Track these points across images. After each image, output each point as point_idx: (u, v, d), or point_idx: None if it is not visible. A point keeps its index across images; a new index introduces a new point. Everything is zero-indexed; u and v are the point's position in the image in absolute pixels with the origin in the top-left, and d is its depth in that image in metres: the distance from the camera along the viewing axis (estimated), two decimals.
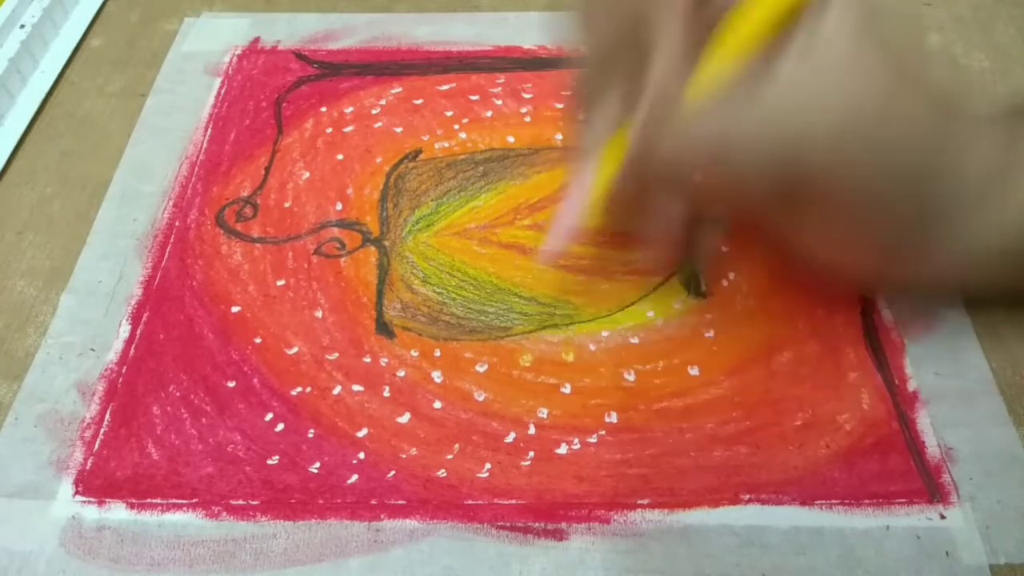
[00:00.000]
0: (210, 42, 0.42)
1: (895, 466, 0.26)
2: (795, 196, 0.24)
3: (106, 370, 0.29)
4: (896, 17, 0.24)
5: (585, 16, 0.27)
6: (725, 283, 0.31)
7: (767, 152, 0.23)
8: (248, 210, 0.35)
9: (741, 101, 0.23)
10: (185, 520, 0.26)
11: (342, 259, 0.33)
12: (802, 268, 0.28)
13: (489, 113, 0.38)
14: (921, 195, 0.24)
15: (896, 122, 0.23)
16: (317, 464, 0.27)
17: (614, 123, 0.27)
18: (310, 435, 0.28)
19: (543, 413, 0.28)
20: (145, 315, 0.31)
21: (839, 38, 0.23)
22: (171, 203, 0.35)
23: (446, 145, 0.37)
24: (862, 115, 0.23)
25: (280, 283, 0.32)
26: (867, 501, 0.26)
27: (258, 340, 0.30)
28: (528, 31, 0.42)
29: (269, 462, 0.27)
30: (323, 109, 0.38)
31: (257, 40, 0.42)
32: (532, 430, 0.28)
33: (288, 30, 0.42)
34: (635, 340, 0.30)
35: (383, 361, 0.30)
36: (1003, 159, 0.25)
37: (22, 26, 0.40)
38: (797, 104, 0.23)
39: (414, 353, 0.30)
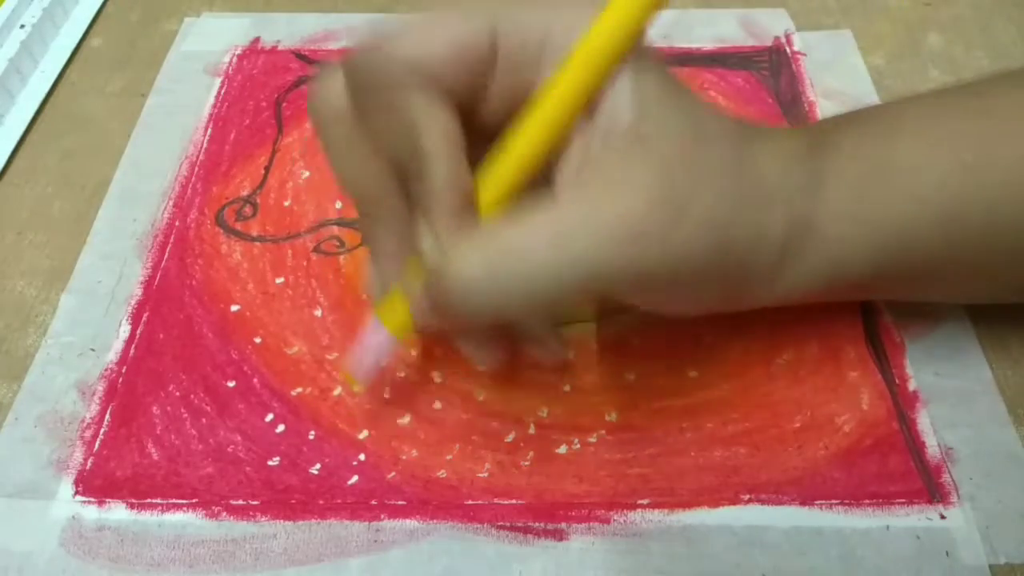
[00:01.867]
0: (210, 42, 0.42)
1: (895, 466, 0.26)
2: (638, 288, 0.23)
3: (106, 370, 0.29)
4: (680, 104, 0.22)
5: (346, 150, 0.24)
6: None
7: (559, 282, 0.21)
8: (248, 209, 0.35)
9: (522, 235, 0.21)
10: (185, 520, 0.26)
11: (341, 257, 0.33)
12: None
13: None
14: (725, 273, 0.23)
15: (686, 229, 0.21)
16: (318, 465, 0.27)
17: (400, 252, 0.25)
18: (311, 436, 0.28)
19: (543, 412, 0.28)
20: (145, 315, 0.31)
21: (615, 154, 0.21)
22: (171, 203, 0.35)
23: None
24: (646, 233, 0.21)
25: (279, 281, 0.32)
26: (867, 501, 0.26)
27: (258, 340, 0.30)
28: None
29: (270, 463, 0.27)
30: None
31: (257, 40, 0.42)
32: (532, 429, 0.28)
33: (288, 30, 0.42)
34: (636, 341, 0.30)
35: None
36: (802, 208, 0.24)
37: (22, 26, 0.40)
38: (582, 229, 0.21)
39: (413, 352, 0.30)
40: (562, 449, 0.27)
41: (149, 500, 0.26)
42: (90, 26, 0.43)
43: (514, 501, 0.26)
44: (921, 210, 0.24)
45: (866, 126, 0.26)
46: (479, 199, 0.23)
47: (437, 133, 0.22)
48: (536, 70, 0.22)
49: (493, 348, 0.26)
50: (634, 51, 0.21)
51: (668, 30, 0.42)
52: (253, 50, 0.41)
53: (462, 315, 0.22)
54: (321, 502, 0.26)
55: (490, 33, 0.22)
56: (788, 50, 0.40)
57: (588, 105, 0.21)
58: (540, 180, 0.23)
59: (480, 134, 0.23)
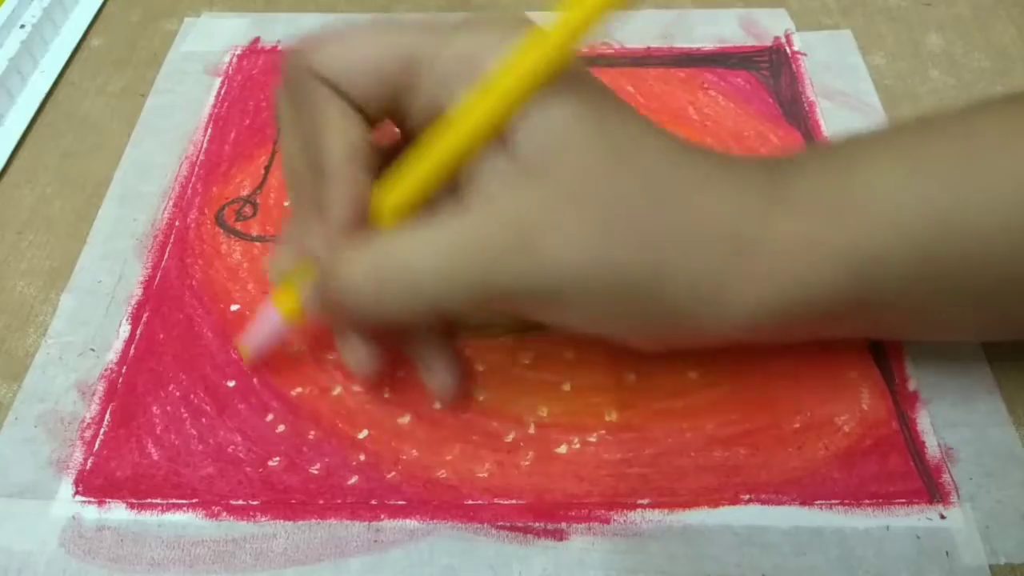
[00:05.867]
0: (210, 42, 0.42)
1: (895, 466, 0.26)
2: (511, 304, 0.23)
3: (106, 370, 0.29)
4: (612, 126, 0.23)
5: (281, 125, 0.26)
6: None
7: (455, 288, 0.22)
8: (248, 209, 0.35)
9: (404, 245, 0.22)
10: (185, 520, 0.26)
11: None
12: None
13: None
14: (635, 298, 0.23)
15: (553, 254, 0.22)
16: (317, 465, 0.27)
17: (302, 240, 0.25)
18: (310, 436, 0.28)
19: (543, 411, 0.28)
20: (145, 315, 0.31)
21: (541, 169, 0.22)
22: (171, 203, 0.35)
23: None
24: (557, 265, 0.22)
25: None
26: (867, 501, 0.26)
27: None
28: None
29: (270, 463, 0.27)
30: None
31: (257, 40, 0.42)
32: (532, 429, 0.28)
33: (288, 30, 0.42)
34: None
35: None
36: (751, 235, 0.23)
37: (22, 26, 0.40)
38: (451, 247, 0.22)
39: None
40: (562, 449, 0.27)
41: (149, 500, 0.26)
42: (90, 26, 0.43)
43: (514, 501, 0.26)
44: (895, 236, 0.23)
45: (836, 152, 0.25)
46: (382, 204, 0.24)
47: (341, 143, 0.23)
48: (457, 90, 0.22)
49: (370, 355, 0.26)
50: (558, 77, 0.21)
51: (668, 30, 0.42)
52: (253, 50, 0.41)
53: (347, 314, 0.24)
54: (321, 502, 0.26)
55: (406, 58, 0.23)
56: (788, 50, 0.40)
57: (498, 131, 0.22)
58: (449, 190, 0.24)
59: (409, 137, 0.24)
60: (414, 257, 0.22)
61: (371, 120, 0.24)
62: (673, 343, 0.26)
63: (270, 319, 0.27)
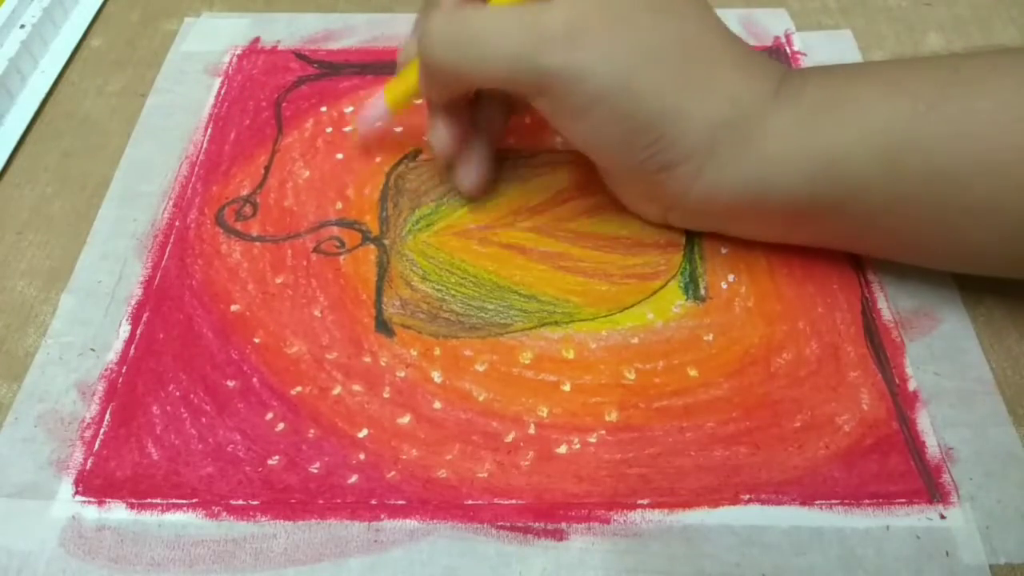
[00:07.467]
0: (210, 42, 0.42)
1: (895, 466, 0.27)
2: (545, 89, 0.28)
3: (106, 370, 0.29)
4: None
5: None
6: (724, 285, 0.31)
7: (512, 44, 0.27)
8: (248, 209, 0.35)
9: (476, 14, 0.28)
10: (185, 520, 0.26)
11: (341, 257, 0.33)
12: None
13: None
14: (632, 125, 0.27)
15: (587, 55, 0.27)
16: (317, 464, 0.27)
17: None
18: (310, 435, 0.28)
19: (543, 411, 0.28)
20: (145, 315, 0.31)
21: None
22: (171, 203, 0.35)
23: None
24: (597, 34, 0.27)
25: (279, 280, 0.32)
26: (867, 501, 0.26)
27: (257, 340, 0.30)
28: None
29: (269, 462, 0.27)
30: (323, 109, 0.38)
31: (257, 40, 0.42)
32: (532, 429, 0.28)
33: (288, 30, 0.42)
34: (635, 340, 0.30)
35: (383, 361, 0.30)
36: (748, 113, 0.27)
37: (22, 26, 0.40)
38: (511, 21, 0.27)
39: (413, 352, 0.30)
40: (562, 449, 0.27)
41: (149, 500, 0.26)
42: (90, 26, 0.43)
43: (514, 501, 0.26)
44: (862, 144, 0.26)
45: (841, 68, 0.29)
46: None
47: None
48: None
49: (450, 136, 0.32)
50: None
51: None
52: (253, 50, 0.41)
53: (431, 68, 0.29)
54: (321, 502, 0.26)
55: None
56: (788, 50, 0.40)
57: None
58: None
59: None
60: (489, 21, 0.28)
61: None
62: (661, 199, 0.31)
63: (378, 104, 0.33)
